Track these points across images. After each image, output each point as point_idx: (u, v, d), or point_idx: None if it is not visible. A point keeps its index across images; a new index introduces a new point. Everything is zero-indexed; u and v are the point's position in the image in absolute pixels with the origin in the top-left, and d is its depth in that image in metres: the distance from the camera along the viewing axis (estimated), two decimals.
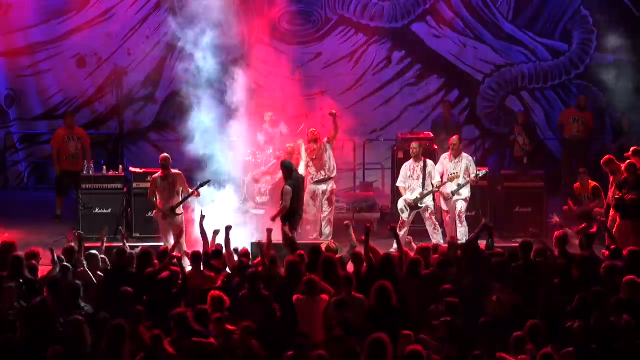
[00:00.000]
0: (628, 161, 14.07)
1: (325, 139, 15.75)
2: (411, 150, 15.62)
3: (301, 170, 15.03)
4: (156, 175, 14.69)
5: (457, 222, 15.48)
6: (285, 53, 20.19)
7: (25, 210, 18.16)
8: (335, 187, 15.95)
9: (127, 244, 12.68)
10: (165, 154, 14.71)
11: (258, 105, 17.51)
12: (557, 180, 18.50)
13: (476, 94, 20.58)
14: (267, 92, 18.21)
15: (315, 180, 15.68)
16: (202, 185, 14.61)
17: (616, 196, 14.08)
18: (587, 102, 19.60)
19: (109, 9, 20.17)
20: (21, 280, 10.98)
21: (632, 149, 14.44)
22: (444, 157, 15.77)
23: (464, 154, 15.79)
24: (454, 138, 15.87)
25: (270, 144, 17.67)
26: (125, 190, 16.30)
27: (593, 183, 15.72)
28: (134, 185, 16.26)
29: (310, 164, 15.60)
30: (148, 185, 15.33)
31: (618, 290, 10.42)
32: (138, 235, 15.85)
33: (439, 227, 15.47)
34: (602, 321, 9.73)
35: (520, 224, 16.36)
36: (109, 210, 16.10)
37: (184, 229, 14.24)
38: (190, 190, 14.41)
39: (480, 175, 15.59)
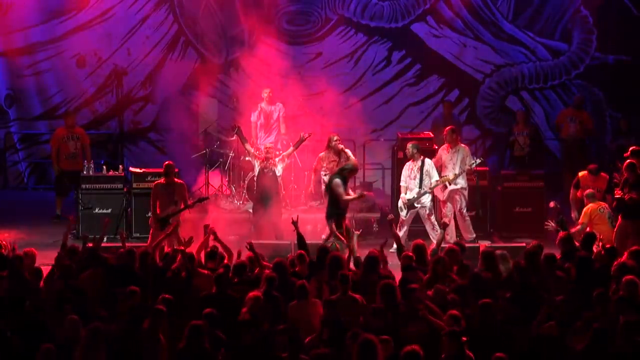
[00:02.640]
0: (628, 161, 14.04)
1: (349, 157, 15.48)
2: (406, 152, 15.67)
3: (279, 172, 15.46)
4: (158, 181, 14.67)
5: (459, 216, 15.59)
6: (285, 53, 20.20)
7: (25, 210, 18.17)
8: None
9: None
10: (169, 162, 14.66)
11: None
12: (557, 180, 18.50)
13: (476, 94, 20.57)
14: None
15: None
16: (199, 201, 14.71)
17: (616, 196, 14.09)
18: (587, 102, 19.60)
19: (109, 9, 20.15)
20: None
21: (631, 149, 14.42)
22: (442, 149, 15.88)
23: (461, 145, 15.88)
24: (447, 129, 15.95)
25: (267, 127, 17.72)
26: (125, 190, 16.31)
27: (606, 176, 15.28)
28: (134, 185, 16.29)
29: (327, 173, 15.43)
30: (148, 185, 15.45)
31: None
32: (138, 235, 15.88)
33: (437, 227, 15.48)
34: (603, 321, 9.75)
35: (520, 224, 16.39)
36: (109, 210, 16.11)
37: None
38: (187, 204, 14.37)
39: (474, 164, 15.62)
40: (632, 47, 20.11)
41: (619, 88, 20.17)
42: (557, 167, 19.27)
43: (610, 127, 20.23)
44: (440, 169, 15.72)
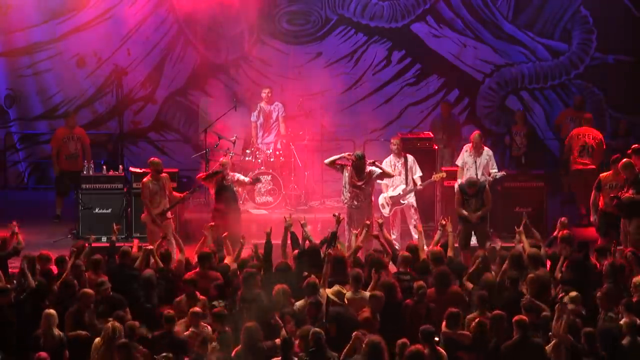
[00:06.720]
0: (625, 159, 13.97)
1: (373, 173, 14.64)
2: (391, 146, 15.58)
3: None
4: (146, 179, 14.73)
5: None
6: (285, 53, 20.21)
7: (25, 210, 18.14)
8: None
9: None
10: (156, 158, 14.85)
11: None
12: (557, 180, 18.49)
13: (476, 94, 20.57)
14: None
15: (349, 205, 14.76)
16: (192, 192, 14.92)
17: (611, 195, 14.05)
18: (587, 102, 19.59)
19: (109, 9, 20.14)
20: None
21: (632, 147, 14.39)
22: (466, 149, 15.91)
23: (486, 149, 15.97)
24: (475, 134, 16.00)
25: (267, 126, 17.72)
26: (125, 190, 16.33)
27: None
28: (134, 185, 16.29)
29: (347, 187, 14.64)
30: None
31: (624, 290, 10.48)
32: (138, 235, 15.87)
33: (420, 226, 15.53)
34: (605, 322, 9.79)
35: (520, 224, 16.35)
36: (109, 210, 16.13)
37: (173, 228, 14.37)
38: (181, 196, 14.62)
39: (498, 177, 15.70)
40: (632, 47, 20.11)
41: (619, 88, 20.17)
42: (556, 167, 19.25)
43: (610, 127, 20.23)
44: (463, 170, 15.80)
